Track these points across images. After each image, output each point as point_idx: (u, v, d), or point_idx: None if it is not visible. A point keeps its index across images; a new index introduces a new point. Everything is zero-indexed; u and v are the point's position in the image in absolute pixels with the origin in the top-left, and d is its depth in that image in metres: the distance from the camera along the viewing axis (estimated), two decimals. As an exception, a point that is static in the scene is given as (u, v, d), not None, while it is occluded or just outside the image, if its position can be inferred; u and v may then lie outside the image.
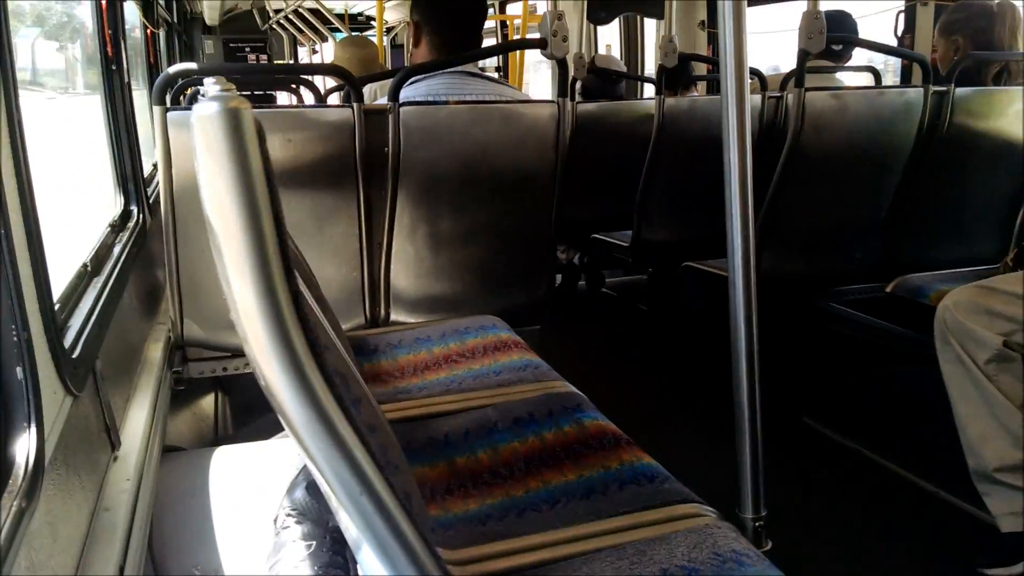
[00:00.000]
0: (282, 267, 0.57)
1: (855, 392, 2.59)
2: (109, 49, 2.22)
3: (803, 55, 2.28)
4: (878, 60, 3.47)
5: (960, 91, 2.36)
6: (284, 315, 0.58)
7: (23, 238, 0.99)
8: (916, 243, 2.55)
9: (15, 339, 0.92)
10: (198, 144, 0.58)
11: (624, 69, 4.82)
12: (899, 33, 3.39)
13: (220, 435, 2.52)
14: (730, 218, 1.32)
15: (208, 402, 2.60)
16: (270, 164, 0.59)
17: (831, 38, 2.26)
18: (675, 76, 3.36)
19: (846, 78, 3.36)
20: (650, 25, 5.50)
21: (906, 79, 3.47)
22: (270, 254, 0.57)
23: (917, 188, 2.46)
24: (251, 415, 2.48)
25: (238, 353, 2.06)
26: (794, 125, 2.30)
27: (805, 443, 2.48)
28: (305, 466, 1.24)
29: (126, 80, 2.29)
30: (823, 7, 2.25)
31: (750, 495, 1.32)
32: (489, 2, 6.72)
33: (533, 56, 6.26)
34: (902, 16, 3.38)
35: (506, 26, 6.91)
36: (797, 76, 2.30)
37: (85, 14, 2.46)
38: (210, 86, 0.88)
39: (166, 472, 1.59)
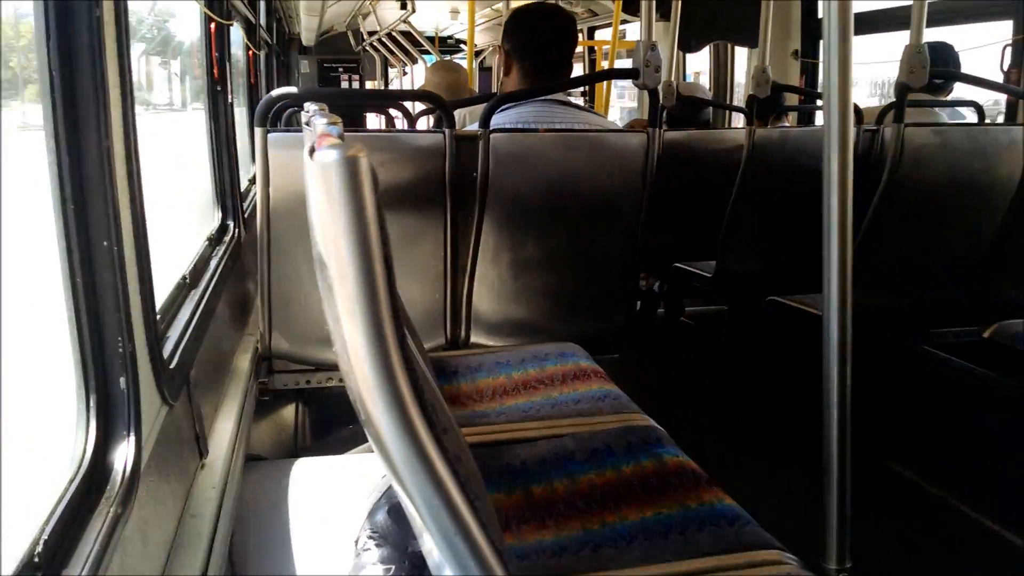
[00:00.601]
0: (391, 312, 0.59)
1: (946, 438, 2.48)
2: (215, 71, 2.32)
3: (903, 89, 2.22)
4: (982, 95, 3.33)
5: (1070, 129, 2.26)
6: (392, 359, 0.59)
7: (133, 254, 1.04)
8: (1017, 287, 2.44)
9: (120, 351, 0.97)
10: (313, 187, 0.60)
11: (708, 96, 4.77)
12: (1005, 68, 3.26)
13: (299, 446, 2.57)
14: (827, 253, 1.29)
15: (289, 412, 2.66)
16: (383, 211, 0.60)
17: (934, 72, 2.19)
18: (766, 106, 3.30)
19: (946, 113, 3.25)
20: (740, 53, 5.44)
21: (1011, 117, 3.33)
22: (381, 300, 0.58)
23: (1020, 228, 2.35)
24: (329, 428, 2.53)
25: (321, 367, 2.11)
26: (892, 160, 2.23)
27: (890, 489, 2.38)
28: (387, 489, 1.25)
29: (230, 101, 2.38)
30: (925, 39, 2.19)
31: (835, 544, 1.27)
32: (578, 27, 6.77)
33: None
34: (1008, 50, 3.25)
35: (594, 51, 6.93)
36: (896, 110, 2.24)
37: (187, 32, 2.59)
38: (315, 115, 0.91)
39: (249, 481, 1.63)
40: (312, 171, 0.60)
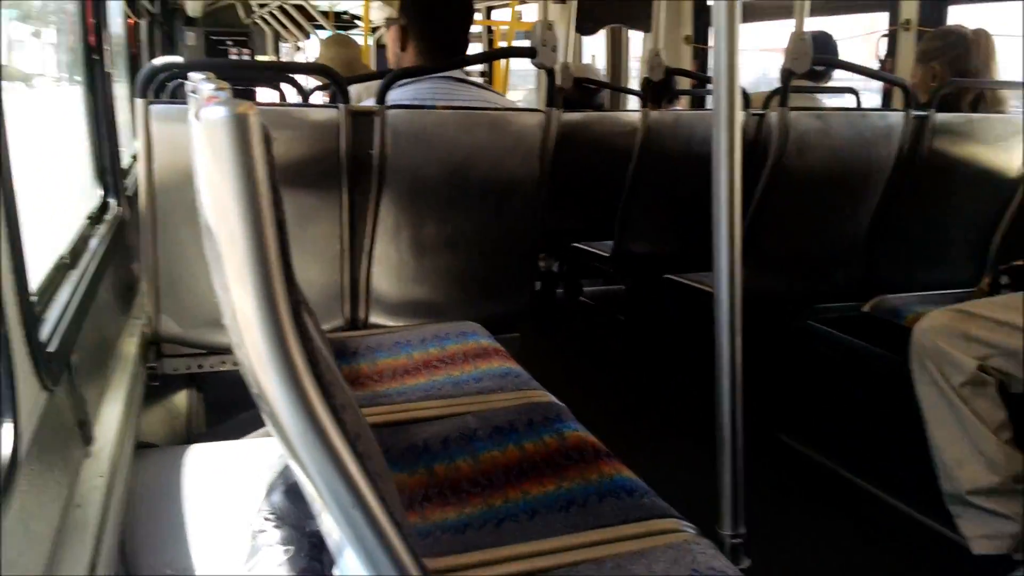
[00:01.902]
0: (284, 277, 0.57)
1: (831, 410, 2.62)
2: (92, 39, 2.19)
3: (788, 75, 2.31)
4: (856, 82, 3.51)
5: (940, 116, 2.40)
6: (284, 326, 0.57)
7: (3, 231, 0.97)
8: (895, 264, 2.58)
9: (-8, 332, 0.90)
10: (199, 149, 0.57)
11: (602, 79, 4.84)
12: (881, 56, 3.44)
13: (193, 432, 2.48)
14: (717, 234, 1.33)
15: (182, 399, 2.56)
16: (275, 172, 0.58)
17: (816, 59, 2.28)
18: (660, 89, 3.38)
19: (826, 99, 3.40)
20: (635, 37, 5.53)
21: (885, 103, 3.52)
22: (272, 264, 0.56)
23: (896, 210, 2.49)
24: (225, 413, 2.45)
25: (214, 351, 2.03)
26: (777, 143, 2.32)
27: (781, 460, 2.50)
28: (284, 470, 1.22)
29: (107, 71, 2.25)
30: (807, 28, 2.28)
31: (729, 512, 1.33)
32: (476, 7, 6.73)
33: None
34: (884, 40, 3.43)
35: (492, 31, 6.92)
36: (781, 95, 2.32)
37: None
38: (200, 82, 0.87)
39: (139, 469, 1.56)
40: (198, 132, 0.57)
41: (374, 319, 2.13)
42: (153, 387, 2.01)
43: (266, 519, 1.09)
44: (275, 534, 1.05)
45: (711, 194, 1.37)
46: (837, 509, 2.25)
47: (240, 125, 0.56)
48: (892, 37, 3.36)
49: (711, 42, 4.64)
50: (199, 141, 0.57)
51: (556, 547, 1.10)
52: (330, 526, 0.68)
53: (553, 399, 1.58)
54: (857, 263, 2.56)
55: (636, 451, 1.51)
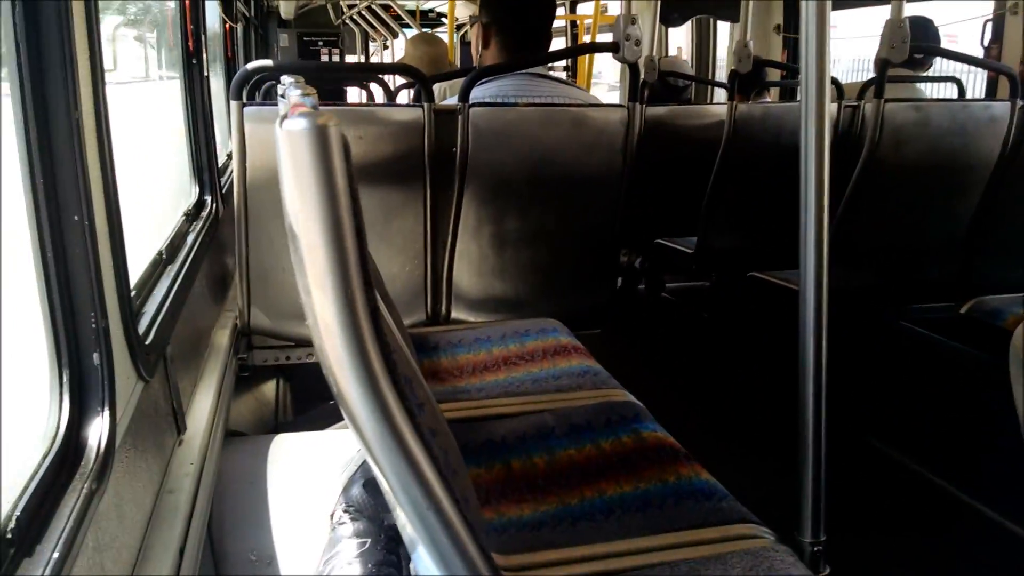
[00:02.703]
0: (363, 283, 0.58)
1: (923, 413, 2.51)
2: (190, 44, 2.28)
3: (883, 64, 2.22)
4: (961, 71, 3.34)
5: (1050, 106, 2.27)
6: (362, 331, 0.58)
7: (105, 228, 1.03)
8: (994, 264, 2.46)
9: (93, 327, 0.95)
10: (283, 157, 0.59)
11: (690, 72, 4.76)
12: (985, 43, 3.27)
13: (280, 422, 2.57)
14: (804, 230, 1.29)
15: (270, 389, 2.65)
16: (355, 182, 0.59)
17: (915, 47, 2.19)
18: (748, 81, 3.29)
19: (927, 88, 3.26)
20: (723, 28, 5.42)
21: (991, 93, 3.34)
22: (352, 271, 0.58)
23: (999, 207, 2.37)
24: (311, 403, 2.53)
25: (301, 343, 2.10)
26: (871, 136, 2.24)
27: (868, 464, 2.41)
28: (363, 463, 1.25)
29: (205, 74, 2.35)
30: (906, 13, 2.19)
31: (810, 518, 1.28)
32: (559, 1, 6.71)
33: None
34: (989, 25, 3.25)
35: (576, 26, 6.88)
36: (877, 86, 2.23)
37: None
38: (289, 87, 0.90)
39: (228, 457, 1.63)
40: (282, 141, 0.59)
41: (455, 314, 2.16)
42: (243, 377, 2.09)
43: (344, 511, 1.12)
44: (353, 526, 1.08)
45: (799, 189, 1.33)
46: (926, 517, 2.16)
47: (320, 136, 0.57)
48: (999, 22, 3.19)
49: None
50: (283, 149, 0.59)
51: (631, 548, 1.10)
52: (404, 521, 0.70)
53: (632, 398, 1.57)
54: (953, 262, 2.45)
55: (715, 453, 1.48)
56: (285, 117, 0.61)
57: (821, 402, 1.31)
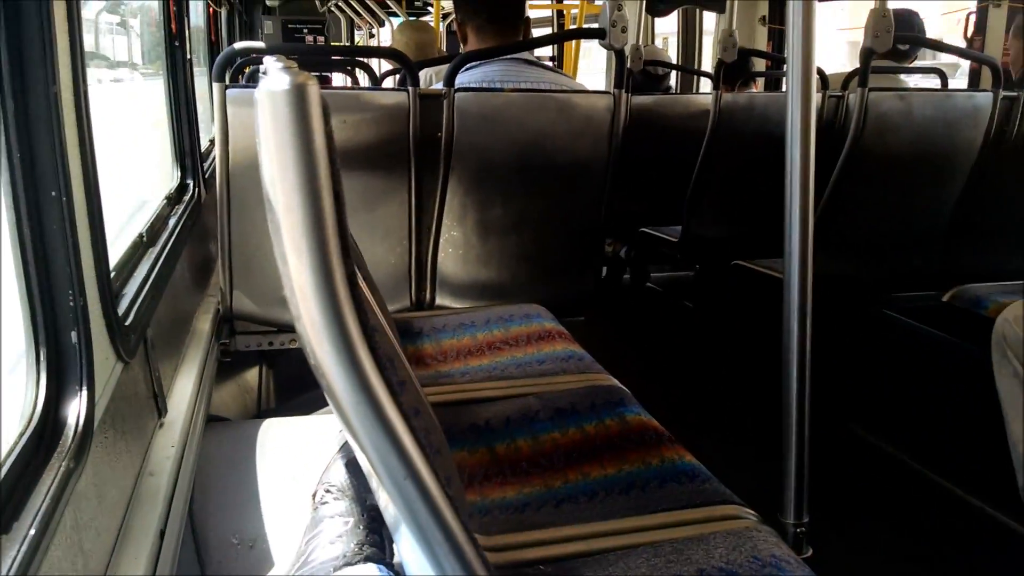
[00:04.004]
0: (340, 247, 0.57)
1: (905, 401, 2.53)
2: (173, 25, 2.26)
3: (868, 54, 2.23)
4: (945, 64, 3.36)
5: (1031, 97, 2.29)
6: (339, 295, 0.58)
7: (84, 205, 1.01)
8: (977, 252, 2.48)
9: (71, 304, 0.94)
10: (262, 119, 0.58)
11: (670, 62, 4.76)
12: (968, 35, 3.29)
13: (263, 408, 2.56)
14: (789, 218, 1.29)
15: (253, 375, 2.64)
16: (333, 143, 0.58)
17: (898, 37, 2.20)
18: (733, 71, 3.30)
19: (910, 79, 3.27)
20: (708, 19, 5.42)
21: (973, 84, 3.36)
22: (328, 233, 0.57)
23: (981, 196, 2.38)
24: (294, 390, 2.52)
25: (284, 328, 2.08)
26: (856, 126, 2.24)
27: (850, 449, 2.43)
28: (345, 444, 1.25)
29: (188, 56, 2.32)
30: (890, 5, 2.20)
31: (793, 500, 1.29)
32: (547, -9, 6.69)
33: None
34: (972, 17, 3.27)
35: (562, 15, 6.86)
36: (861, 75, 2.24)
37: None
38: (272, 64, 0.89)
39: (209, 441, 1.61)
40: (261, 104, 0.58)
41: (440, 300, 2.15)
42: (225, 363, 2.08)
43: (327, 491, 1.12)
44: (335, 506, 1.08)
45: (784, 178, 1.34)
46: (906, 501, 2.18)
47: (300, 94, 0.56)
48: (981, 14, 3.21)
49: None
50: (262, 113, 0.58)
51: (614, 529, 1.10)
52: (385, 500, 0.69)
53: (616, 383, 1.57)
54: (936, 250, 2.47)
55: (700, 437, 1.49)
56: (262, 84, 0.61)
57: (805, 387, 1.32)
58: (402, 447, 0.62)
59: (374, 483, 0.70)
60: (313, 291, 0.57)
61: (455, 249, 2.10)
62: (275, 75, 0.57)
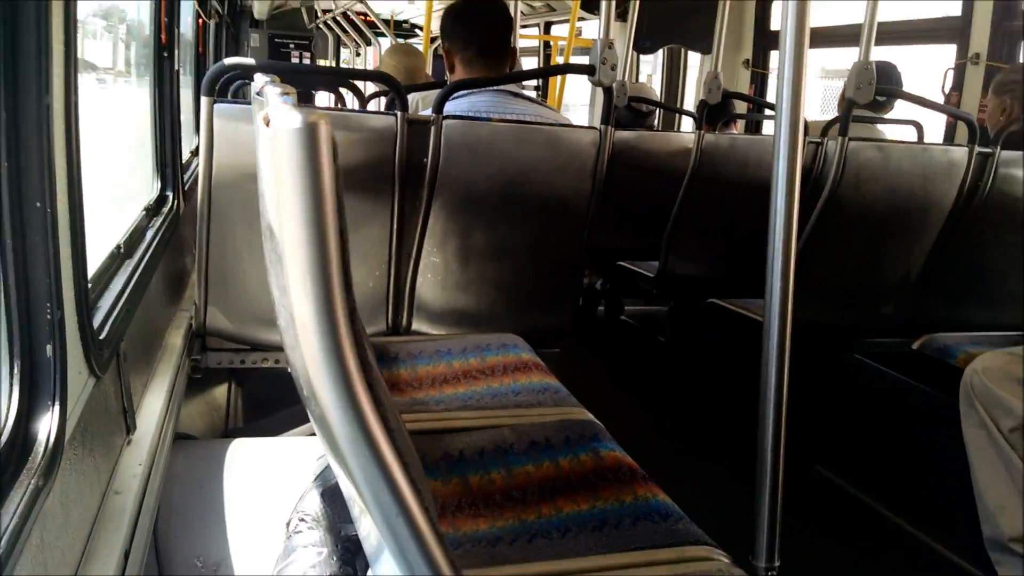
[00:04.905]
0: (343, 285, 0.57)
1: (873, 446, 2.56)
2: (163, 36, 2.25)
3: (849, 104, 2.27)
4: (921, 116, 3.44)
5: (1005, 154, 2.34)
6: (341, 333, 0.57)
7: (66, 218, 1.00)
8: (947, 302, 2.52)
9: (48, 317, 0.93)
10: (268, 153, 0.58)
11: (657, 100, 4.82)
12: (946, 90, 3.37)
13: (230, 426, 2.52)
14: (771, 262, 1.31)
15: (221, 392, 2.60)
16: (340, 182, 0.59)
17: (880, 90, 2.24)
18: (716, 112, 3.35)
19: (887, 130, 3.34)
20: (693, 59, 5.51)
21: (948, 138, 3.44)
22: (333, 272, 0.57)
23: (953, 247, 2.43)
24: (263, 408, 2.48)
25: (258, 347, 2.06)
26: (835, 173, 2.28)
27: (818, 493, 2.45)
28: (322, 472, 1.23)
29: (177, 68, 2.31)
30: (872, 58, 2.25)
31: (765, 543, 1.30)
32: (534, 23, 6.77)
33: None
34: (951, 73, 3.36)
35: (550, 47, 6.94)
36: (842, 125, 2.28)
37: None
38: (267, 86, 0.89)
39: (177, 459, 1.59)
40: (267, 138, 0.58)
41: (416, 326, 2.14)
42: (195, 379, 2.04)
43: (301, 520, 1.10)
44: (309, 535, 1.06)
45: (762, 220, 1.35)
46: (873, 546, 2.20)
47: (311, 134, 0.56)
48: (959, 71, 3.30)
49: (772, 66, 4.60)
50: (267, 146, 0.58)
51: (587, 567, 1.09)
52: (369, 530, 0.68)
53: (591, 417, 1.57)
54: (908, 299, 2.51)
55: (672, 475, 1.49)
56: (267, 115, 0.60)
57: (780, 431, 1.33)
58: (395, 482, 0.62)
59: (356, 512, 0.69)
60: (315, 327, 0.57)
61: (434, 275, 2.10)
62: (286, 112, 0.57)
